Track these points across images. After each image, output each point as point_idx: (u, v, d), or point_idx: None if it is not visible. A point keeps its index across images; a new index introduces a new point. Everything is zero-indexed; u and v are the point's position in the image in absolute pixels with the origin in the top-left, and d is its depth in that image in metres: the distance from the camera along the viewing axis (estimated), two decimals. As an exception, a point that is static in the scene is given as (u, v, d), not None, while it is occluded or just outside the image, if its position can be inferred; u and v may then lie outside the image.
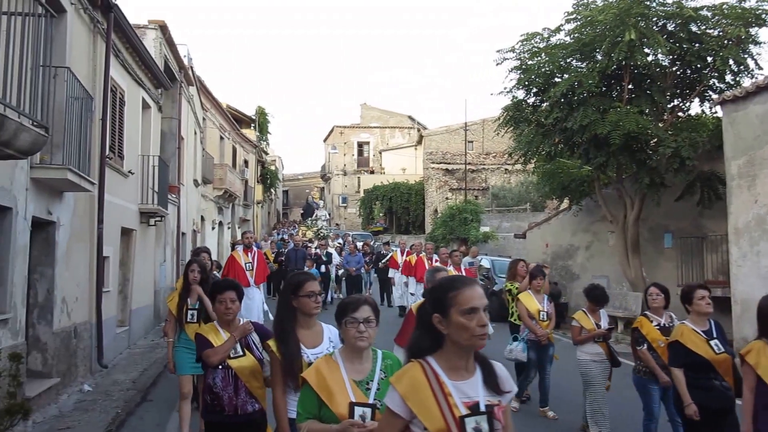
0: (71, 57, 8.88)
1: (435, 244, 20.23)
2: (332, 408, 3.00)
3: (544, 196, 23.64)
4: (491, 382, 2.45)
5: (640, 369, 6.22)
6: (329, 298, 18.15)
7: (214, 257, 19.36)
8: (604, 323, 6.96)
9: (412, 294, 14.65)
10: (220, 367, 4.32)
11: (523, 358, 8.07)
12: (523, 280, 8.84)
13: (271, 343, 3.76)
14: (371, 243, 25.57)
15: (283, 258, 18.26)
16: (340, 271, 19.65)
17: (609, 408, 6.91)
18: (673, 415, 5.97)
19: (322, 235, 31.68)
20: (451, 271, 11.12)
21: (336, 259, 20.04)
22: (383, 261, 18.83)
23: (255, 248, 12.01)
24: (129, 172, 12.41)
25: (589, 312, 6.98)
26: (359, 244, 21.66)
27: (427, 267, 14.00)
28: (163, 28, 15.21)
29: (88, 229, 10.08)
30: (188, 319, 6.57)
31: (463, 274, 11.66)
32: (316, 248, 20.54)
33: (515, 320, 8.75)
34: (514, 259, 10.26)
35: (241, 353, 4.38)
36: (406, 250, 16.65)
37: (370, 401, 3.05)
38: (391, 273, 17.29)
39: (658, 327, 6.12)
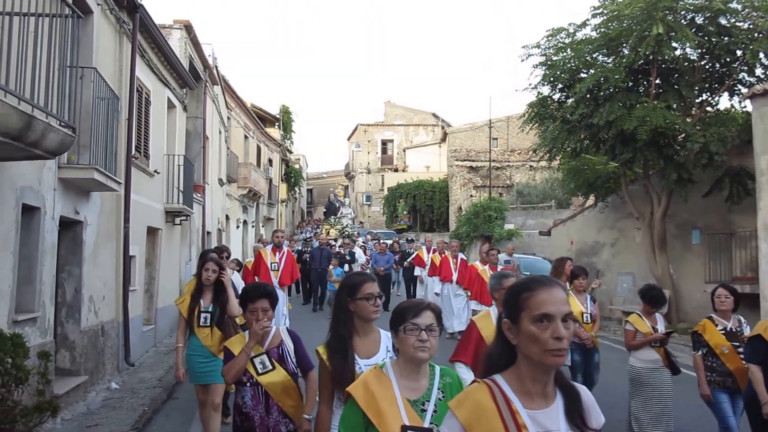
0: (98, 57, 8.98)
1: (460, 242, 20.05)
2: (381, 430, 2.63)
3: (569, 193, 23.41)
4: (575, 413, 1.96)
5: (711, 380, 5.73)
6: None
7: (239, 256, 19.54)
8: (661, 327, 6.38)
9: (436, 294, 14.46)
10: (249, 384, 3.88)
11: (566, 362, 7.55)
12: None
13: (321, 349, 3.42)
14: (399, 242, 25.42)
15: (307, 256, 18.30)
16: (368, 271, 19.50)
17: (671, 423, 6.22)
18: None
19: (347, 233, 31.50)
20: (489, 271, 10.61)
21: (361, 258, 19.93)
22: (408, 260, 18.69)
23: (285, 248, 11.74)
24: (155, 171, 12.50)
25: (644, 314, 6.38)
26: (388, 242, 21.44)
27: (452, 266, 13.88)
28: (188, 28, 15.34)
29: (114, 229, 10.18)
30: (201, 323, 5.96)
31: None
32: (340, 247, 20.50)
33: None
34: (561, 257, 9.54)
35: (270, 366, 3.92)
36: (432, 248, 16.49)
37: (426, 425, 2.66)
38: (417, 271, 17.19)
39: (723, 331, 5.69)
